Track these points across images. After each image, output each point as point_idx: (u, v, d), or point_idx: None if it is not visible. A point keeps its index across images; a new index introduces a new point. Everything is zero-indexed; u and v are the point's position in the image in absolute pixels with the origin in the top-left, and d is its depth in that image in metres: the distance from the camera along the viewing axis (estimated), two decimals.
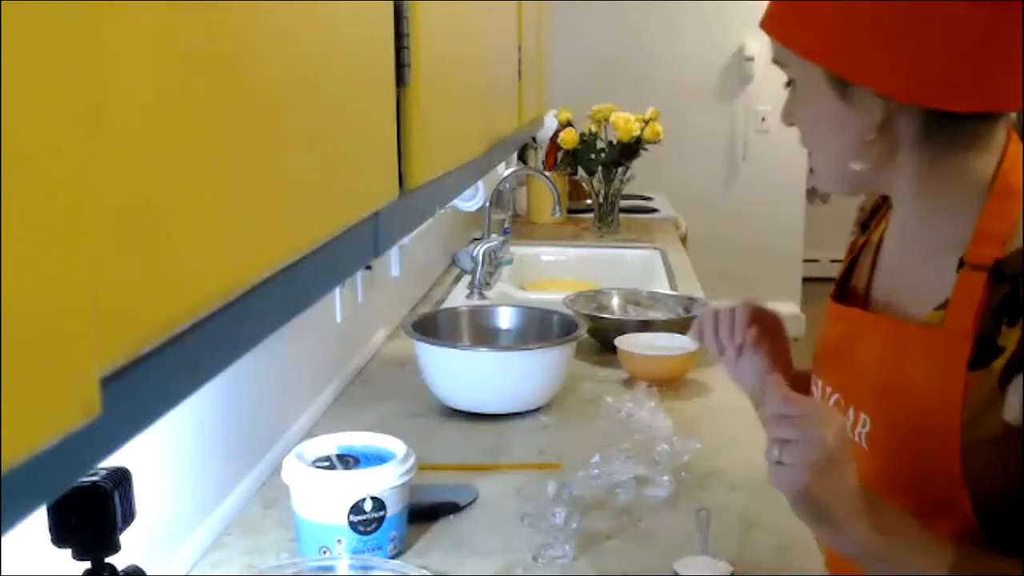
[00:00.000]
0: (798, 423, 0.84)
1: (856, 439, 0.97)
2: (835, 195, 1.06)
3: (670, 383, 1.87)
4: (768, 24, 0.97)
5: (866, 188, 1.05)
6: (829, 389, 1.03)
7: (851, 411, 0.99)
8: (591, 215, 3.54)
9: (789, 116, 1.00)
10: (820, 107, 0.94)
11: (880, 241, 1.06)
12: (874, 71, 0.89)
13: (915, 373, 0.92)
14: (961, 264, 0.90)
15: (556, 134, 3.50)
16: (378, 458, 1.23)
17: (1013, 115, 0.96)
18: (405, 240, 2.18)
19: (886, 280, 1.03)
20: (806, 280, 5.58)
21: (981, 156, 0.92)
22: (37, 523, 0.82)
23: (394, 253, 2.20)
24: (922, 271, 0.96)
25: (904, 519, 0.87)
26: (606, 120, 3.47)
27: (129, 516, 0.84)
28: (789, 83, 0.98)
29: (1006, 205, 0.90)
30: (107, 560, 0.83)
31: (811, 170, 1.01)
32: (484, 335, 1.94)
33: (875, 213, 1.11)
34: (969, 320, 0.87)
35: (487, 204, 2.69)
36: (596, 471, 1.43)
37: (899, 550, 0.85)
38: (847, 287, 1.09)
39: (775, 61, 0.98)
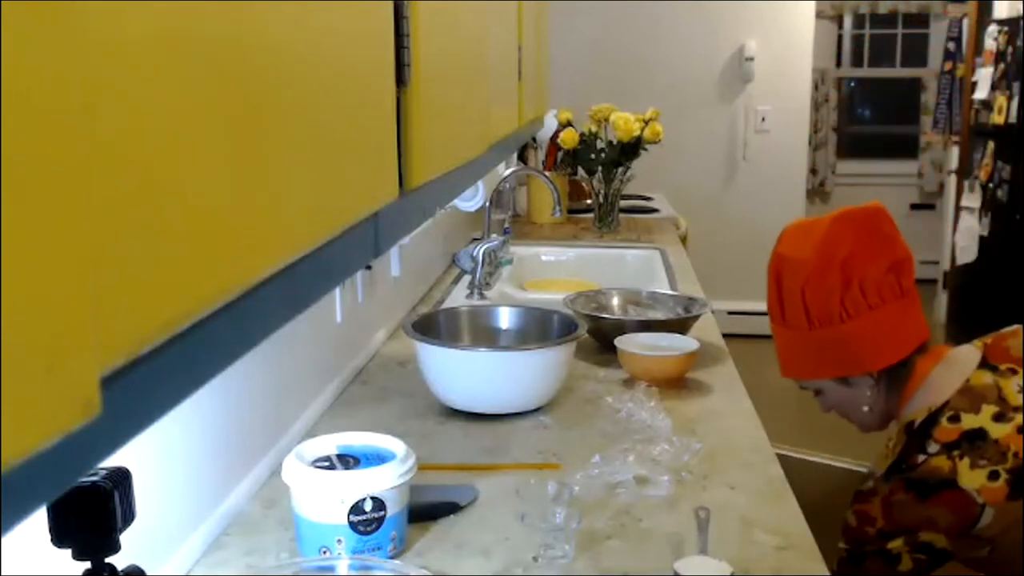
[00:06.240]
0: None
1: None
2: (869, 432, 1.74)
3: (670, 383, 1.87)
4: (785, 374, 1.72)
5: (880, 420, 1.69)
6: None
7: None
8: (591, 215, 3.54)
9: (826, 408, 1.74)
10: (837, 393, 1.69)
11: None
12: (851, 369, 1.64)
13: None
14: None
15: (556, 134, 3.50)
16: (378, 458, 1.23)
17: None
18: (405, 240, 2.18)
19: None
20: None
21: (907, 381, 1.64)
22: (37, 523, 0.82)
23: (394, 253, 2.20)
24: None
25: None
26: (606, 120, 3.47)
27: (129, 516, 0.84)
28: (817, 393, 1.71)
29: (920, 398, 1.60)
30: (107, 560, 0.83)
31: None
32: (484, 335, 1.94)
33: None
34: (895, 451, 1.53)
35: (487, 204, 2.69)
36: (596, 471, 1.43)
37: None
38: None
39: (803, 387, 1.73)
